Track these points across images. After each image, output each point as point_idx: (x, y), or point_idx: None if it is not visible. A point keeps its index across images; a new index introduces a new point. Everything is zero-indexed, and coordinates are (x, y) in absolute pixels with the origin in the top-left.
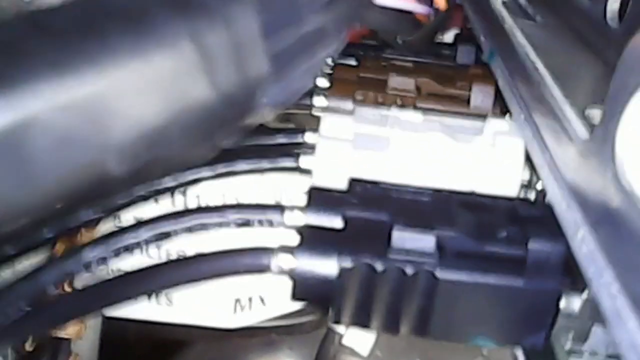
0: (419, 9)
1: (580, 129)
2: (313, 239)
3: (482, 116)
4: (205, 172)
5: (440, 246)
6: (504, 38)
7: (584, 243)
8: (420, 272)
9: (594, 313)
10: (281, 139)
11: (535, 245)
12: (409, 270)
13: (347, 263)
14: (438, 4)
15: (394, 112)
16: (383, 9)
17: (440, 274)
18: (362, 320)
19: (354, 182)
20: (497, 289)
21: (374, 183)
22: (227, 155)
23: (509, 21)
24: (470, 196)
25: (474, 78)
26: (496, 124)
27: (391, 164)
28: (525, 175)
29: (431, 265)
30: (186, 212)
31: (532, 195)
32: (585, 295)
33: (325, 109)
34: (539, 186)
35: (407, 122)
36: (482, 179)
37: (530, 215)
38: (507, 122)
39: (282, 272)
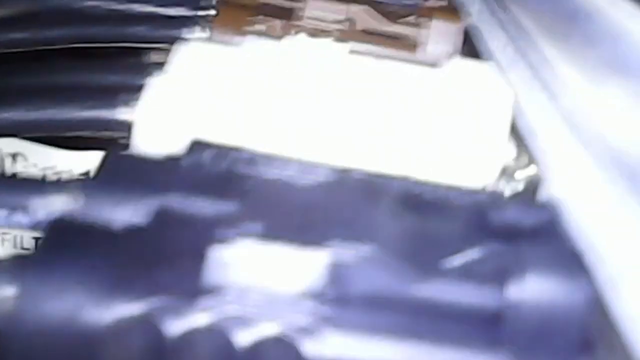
0: None
1: None
2: (50, 245)
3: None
4: None
5: (328, 281)
6: None
7: None
8: (274, 343)
9: None
10: (114, 79)
11: (521, 292)
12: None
13: (107, 312)
14: None
15: (301, 42)
16: None
17: (315, 346)
18: None
19: (196, 146)
20: None
21: (234, 150)
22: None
23: None
24: (405, 182)
25: (432, 12)
26: (464, 65)
27: (277, 123)
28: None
29: (298, 329)
30: None
31: (517, 185)
32: None
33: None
34: (529, 170)
35: (318, 58)
36: (434, 155)
37: (512, 226)
38: (483, 64)
39: None
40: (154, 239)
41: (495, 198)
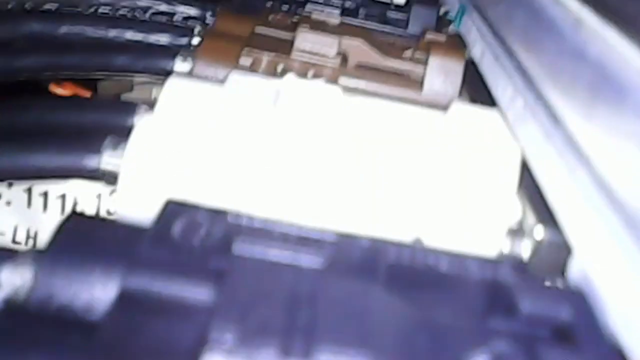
0: None
1: None
2: None
3: (440, 107)
4: None
5: None
6: None
7: None
8: None
9: None
10: (94, 117)
11: None
12: None
13: None
14: None
15: (291, 83)
16: None
17: None
18: None
19: (169, 209)
20: None
21: (211, 214)
22: None
23: None
24: (413, 251)
25: (433, 47)
26: (468, 114)
27: (268, 178)
28: (516, 211)
29: None
30: None
31: (524, 250)
32: None
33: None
34: (537, 234)
35: (311, 102)
36: (437, 215)
37: (543, 316)
38: (488, 112)
39: None
40: (109, 334)
41: (519, 274)
